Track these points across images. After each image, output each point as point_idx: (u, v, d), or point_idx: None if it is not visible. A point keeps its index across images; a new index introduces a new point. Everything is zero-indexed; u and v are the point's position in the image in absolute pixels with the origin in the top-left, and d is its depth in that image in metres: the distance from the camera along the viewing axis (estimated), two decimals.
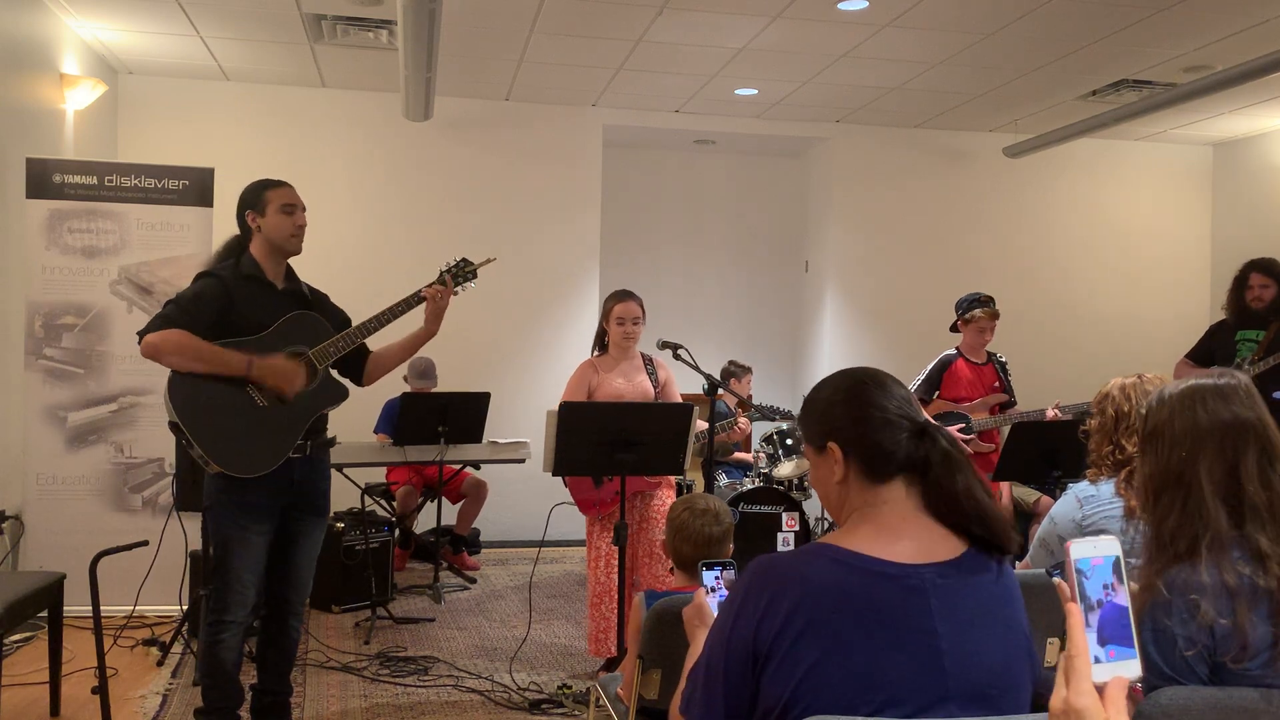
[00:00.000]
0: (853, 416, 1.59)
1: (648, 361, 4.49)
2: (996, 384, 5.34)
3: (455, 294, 3.57)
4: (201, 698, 3.33)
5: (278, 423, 3.26)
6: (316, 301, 3.49)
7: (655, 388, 4.45)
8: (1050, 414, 5.20)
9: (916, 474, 1.56)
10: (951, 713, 1.45)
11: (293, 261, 3.46)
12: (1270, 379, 4.90)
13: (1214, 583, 1.68)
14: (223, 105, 7.12)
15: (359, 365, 3.54)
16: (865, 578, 1.48)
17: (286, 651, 3.50)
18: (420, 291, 3.49)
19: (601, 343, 4.51)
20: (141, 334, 3.16)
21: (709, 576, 1.99)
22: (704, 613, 1.91)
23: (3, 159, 5.09)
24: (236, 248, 3.38)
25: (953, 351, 5.36)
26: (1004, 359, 5.46)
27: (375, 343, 3.56)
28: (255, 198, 3.34)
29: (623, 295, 4.45)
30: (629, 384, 4.41)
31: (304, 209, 3.40)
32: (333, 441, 3.52)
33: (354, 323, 3.45)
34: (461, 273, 3.60)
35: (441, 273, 3.58)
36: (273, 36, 6.16)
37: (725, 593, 1.96)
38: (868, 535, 1.53)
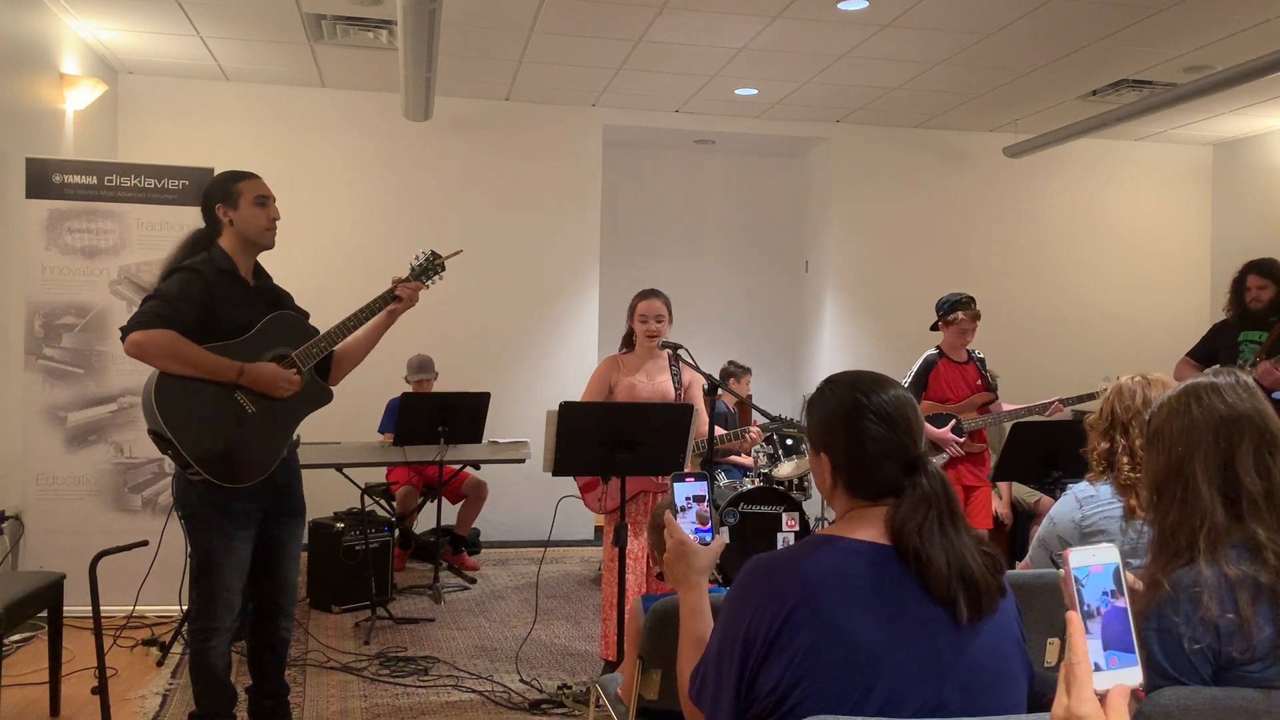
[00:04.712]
0: (847, 440, 1.61)
1: (673, 362, 4.47)
2: (979, 382, 5.35)
3: (426, 288, 3.50)
4: (195, 703, 3.31)
5: (266, 429, 3.22)
6: (285, 299, 3.43)
7: (677, 388, 4.43)
8: (1053, 407, 5.19)
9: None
10: (948, 694, 1.48)
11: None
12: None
13: (1215, 577, 1.69)
14: (223, 105, 7.13)
15: (325, 367, 3.45)
16: (856, 557, 1.53)
17: (280, 653, 3.49)
18: (395, 290, 3.41)
19: (629, 340, 4.50)
20: (125, 330, 3.06)
21: (680, 493, 1.87)
22: (687, 551, 1.82)
23: (3, 159, 5.09)
24: (203, 242, 3.27)
25: (934, 352, 5.38)
26: (981, 355, 5.47)
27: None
28: (225, 190, 3.25)
29: (647, 293, 4.43)
30: (649, 383, 4.39)
31: (275, 200, 3.31)
32: (298, 442, 3.47)
33: (311, 322, 3.40)
34: (431, 266, 3.53)
35: (413, 267, 3.51)
36: (272, 36, 6.16)
37: (694, 512, 1.87)
38: (856, 528, 1.59)
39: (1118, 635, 1.08)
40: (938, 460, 5.13)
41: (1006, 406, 5.32)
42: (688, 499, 1.87)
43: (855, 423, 1.60)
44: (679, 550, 1.83)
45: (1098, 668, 1.07)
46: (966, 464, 5.20)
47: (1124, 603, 1.09)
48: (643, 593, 4.18)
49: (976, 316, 5.26)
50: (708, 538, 1.86)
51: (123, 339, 3.07)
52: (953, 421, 5.20)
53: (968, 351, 5.39)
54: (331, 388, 3.45)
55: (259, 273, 3.38)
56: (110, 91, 6.58)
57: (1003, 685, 1.53)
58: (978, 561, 1.52)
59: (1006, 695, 1.53)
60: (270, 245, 3.33)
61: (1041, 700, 1.46)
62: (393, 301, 3.41)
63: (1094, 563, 1.10)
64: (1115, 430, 2.60)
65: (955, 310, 5.24)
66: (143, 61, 6.74)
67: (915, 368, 5.37)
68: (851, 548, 1.55)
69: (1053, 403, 5.29)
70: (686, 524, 1.86)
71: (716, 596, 1.82)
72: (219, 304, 3.17)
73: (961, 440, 5.16)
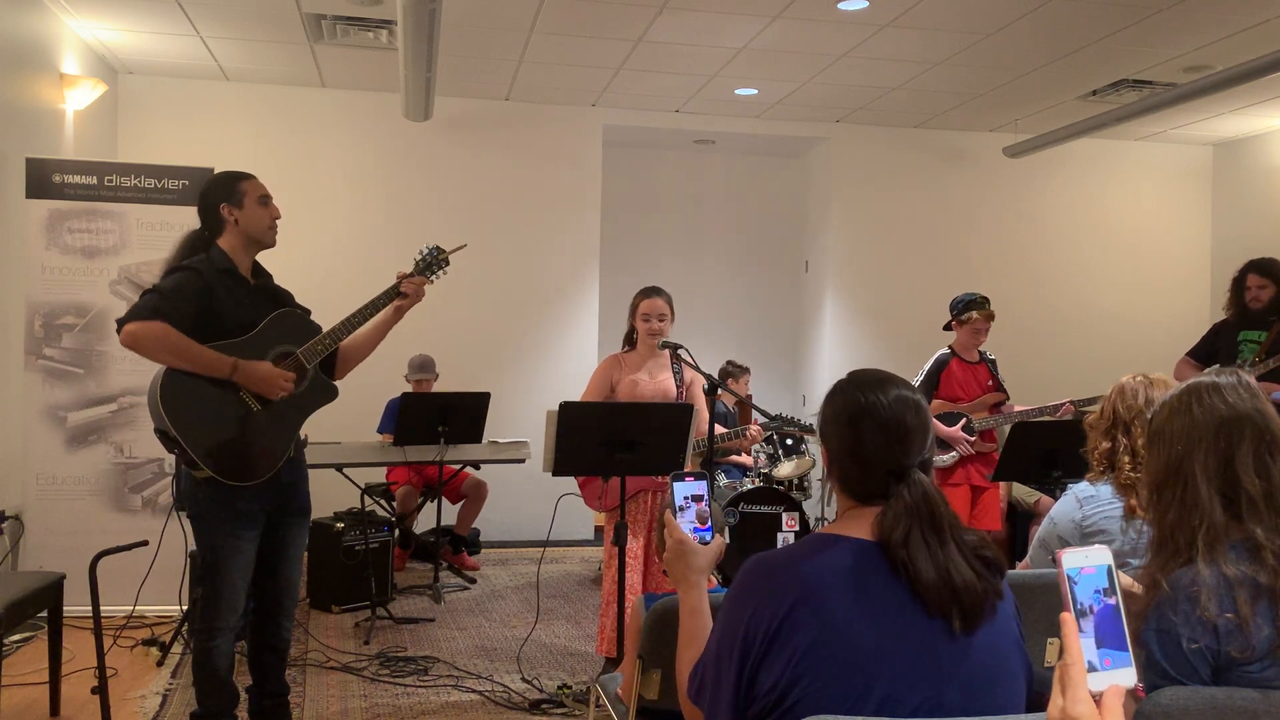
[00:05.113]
0: (845, 442, 1.64)
1: (675, 361, 4.45)
2: (990, 382, 5.36)
3: (430, 283, 3.50)
4: (197, 702, 3.32)
5: (272, 427, 3.22)
6: (285, 297, 3.43)
7: (679, 387, 4.43)
8: (1064, 409, 5.20)
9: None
10: (947, 693, 1.48)
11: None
12: (1272, 380, 4.90)
13: (1214, 576, 1.69)
14: (222, 105, 7.13)
15: (330, 363, 3.46)
16: (850, 555, 1.54)
17: (281, 653, 3.49)
18: (399, 286, 3.41)
19: (630, 339, 4.49)
20: (121, 322, 3.06)
21: (679, 492, 1.88)
22: (686, 551, 1.84)
23: (3, 159, 5.09)
24: (201, 243, 3.27)
25: (947, 351, 5.38)
26: (993, 357, 5.48)
27: None
28: (229, 190, 3.26)
29: (649, 292, 4.41)
30: (651, 381, 4.38)
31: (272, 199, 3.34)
32: (305, 441, 3.48)
33: (313, 319, 3.41)
34: (436, 261, 3.52)
35: (416, 262, 3.50)
36: (272, 36, 6.17)
37: (694, 511, 1.88)
38: (851, 528, 1.60)
39: (1111, 633, 1.08)
40: (948, 458, 5.16)
41: (1018, 407, 5.32)
42: (686, 498, 1.88)
43: (853, 425, 1.63)
44: (678, 549, 1.85)
45: (1092, 668, 1.07)
46: (976, 464, 5.21)
47: (1115, 601, 1.09)
48: (643, 592, 4.18)
49: (990, 317, 5.26)
50: (707, 537, 1.86)
51: (118, 331, 3.08)
52: (963, 420, 5.21)
53: (980, 352, 5.40)
54: (336, 386, 3.45)
55: (258, 271, 3.39)
56: (110, 91, 6.58)
57: (1002, 684, 1.53)
58: (965, 573, 1.51)
59: (1006, 694, 1.53)
60: (273, 244, 3.34)
61: (1040, 700, 1.46)
62: (397, 297, 3.41)
63: (1086, 564, 1.11)
64: (1117, 429, 2.60)
65: (969, 310, 5.24)
66: (143, 61, 6.74)
67: (927, 367, 5.37)
68: (848, 546, 1.56)
69: (1064, 404, 5.28)
70: (686, 523, 1.86)
71: (716, 597, 1.82)
72: (221, 304, 3.17)
73: (972, 439, 5.17)
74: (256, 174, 3.38)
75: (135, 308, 3.08)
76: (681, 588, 1.84)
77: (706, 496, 1.90)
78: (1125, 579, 1.94)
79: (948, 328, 5.40)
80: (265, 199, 3.30)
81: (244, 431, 3.17)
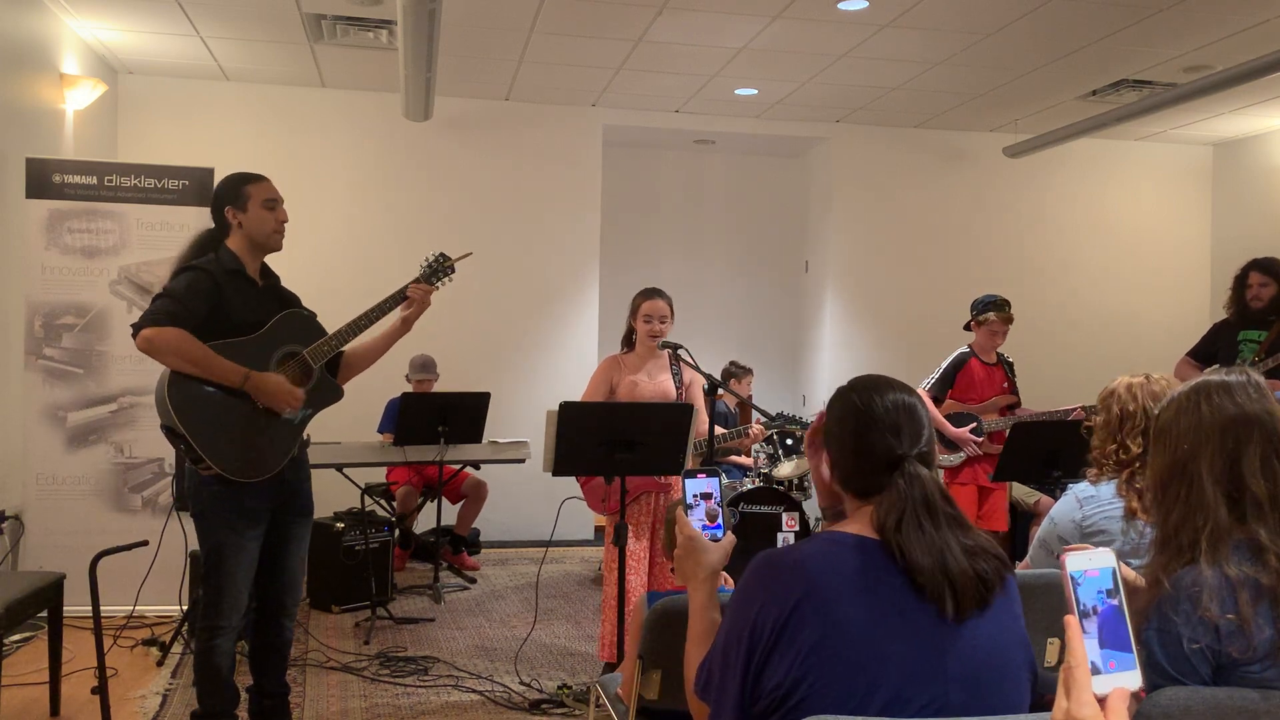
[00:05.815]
0: (844, 443, 1.67)
1: (674, 361, 4.46)
2: (1006, 384, 5.38)
3: (436, 289, 3.52)
4: (198, 701, 3.32)
5: (278, 425, 3.23)
6: (292, 299, 3.44)
7: (679, 388, 4.43)
8: (1075, 414, 5.21)
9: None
10: (951, 693, 1.48)
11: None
12: (1274, 378, 4.90)
13: (1216, 577, 1.69)
14: (222, 105, 7.13)
15: (334, 367, 3.47)
16: (849, 551, 1.55)
17: (283, 652, 3.50)
18: (405, 290, 3.44)
19: (629, 340, 4.49)
20: (137, 327, 3.08)
21: (690, 489, 1.89)
22: (696, 548, 1.84)
23: (3, 159, 5.09)
24: (211, 243, 3.28)
25: (966, 350, 5.40)
26: (1011, 360, 5.50)
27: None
28: (234, 192, 3.26)
29: (651, 293, 4.41)
30: (651, 382, 4.38)
31: (283, 203, 3.33)
32: (309, 441, 3.49)
33: (319, 322, 3.42)
34: (441, 268, 3.54)
35: (422, 268, 3.52)
36: (272, 36, 6.16)
37: (704, 509, 1.89)
38: (858, 524, 1.61)
39: (1114, 634, 1.08)
40: (954, 458, 5.17)
41: (1033, 412, 5.32)
42: (696, 495, 1.89)
43: (850, 426, 1.65)
44: (689, 546, 1.85)
45: (1096, 670, 1.06)
46: (984, 465, 5.22)
47: (1119, 601, 1.09)
48: (645, 592, 4.18)
49: (1008, 320, 5.29)
50: (718, 534, 1.86)
51: (134, 336, 3.10)
52: (973, 424, 5.22)
53: (998, 354, 5.42)
54: (341, 387, 3.46)
55: (266, 273, 3.40)
56: (110, 91, 6.58)
57: (1007, 684, 1.53)
58: (960, 560, 1.52)
59: (1011, 694, 1.53)
60: (278, 248, 3.34)
61: (1043, 700, 1.46)
62: (403, 301, 3.42)
63: (1090, 566, 1.10)
64: (1140, 430, 2.57)
65: (987, 311, 5.28)
66: (143, 61, 6.74)
67: (945, 363, 5.41)
68: (853, 543, 1.56)
69: (1075, 409, 5.28)
70: (696, 520, 1.87)
71: (724, 596, 1.82)
72: (230, 303, 3.19)
73: (980, 440, 5.18)
74: (265, 176, 3.36)
75: (150, 312, 3.09)
76: (691, 584, 1.85)
77: (717, 494, 1.90)
78: (1129, 572, 1.93)
79: (967, 327, 5.42)
80: (271, 202, 3.28)
81: (250, 429, 3.18)
